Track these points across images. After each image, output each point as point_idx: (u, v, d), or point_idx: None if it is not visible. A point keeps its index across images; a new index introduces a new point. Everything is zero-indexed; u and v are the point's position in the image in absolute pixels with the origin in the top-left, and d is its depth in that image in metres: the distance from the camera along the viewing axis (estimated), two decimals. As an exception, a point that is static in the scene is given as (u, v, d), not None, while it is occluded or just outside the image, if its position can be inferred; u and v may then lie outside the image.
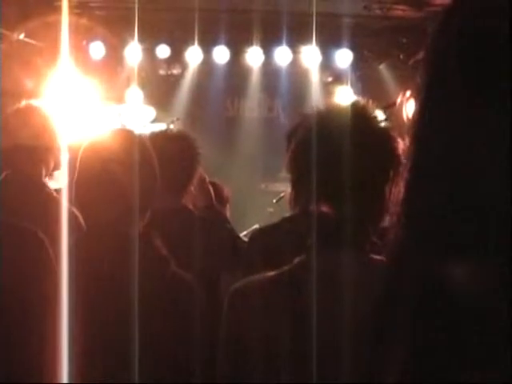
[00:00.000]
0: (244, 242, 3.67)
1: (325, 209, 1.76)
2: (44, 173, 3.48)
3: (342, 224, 1.72)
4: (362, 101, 1.95)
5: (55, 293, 2.11)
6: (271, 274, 1.78)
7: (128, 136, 2.49)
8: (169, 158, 3.29)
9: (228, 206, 4.80)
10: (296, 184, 1.95)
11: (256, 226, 8.62)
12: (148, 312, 2.12)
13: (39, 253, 2.27)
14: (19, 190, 3.26)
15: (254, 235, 3.20)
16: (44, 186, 3.46)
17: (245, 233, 8.49)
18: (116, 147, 2.36)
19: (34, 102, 3.63)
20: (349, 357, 1.56)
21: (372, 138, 1.89)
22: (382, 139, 1.89)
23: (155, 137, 3.49)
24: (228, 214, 4.72)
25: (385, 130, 1.92)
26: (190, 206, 3.43)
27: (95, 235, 2.31)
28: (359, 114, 1.87)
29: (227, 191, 4.83)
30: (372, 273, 1.46)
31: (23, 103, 3.57)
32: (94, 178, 2.34)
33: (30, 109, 3.54)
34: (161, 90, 9.48)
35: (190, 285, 2.36)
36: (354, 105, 1.92)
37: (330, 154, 1.80)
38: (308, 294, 1.68)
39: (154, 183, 2.44)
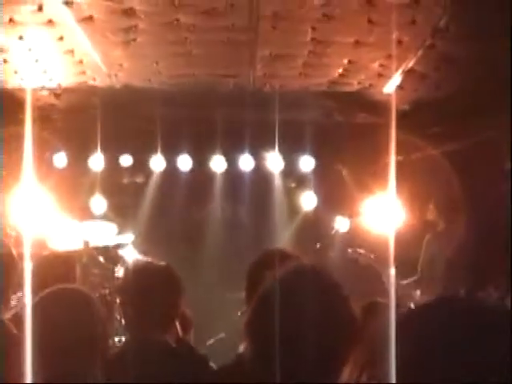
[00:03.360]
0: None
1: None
2: None
3: None
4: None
5: None
6: None
7: (75, 296, 2.80)
8: (154, 294, 3.42)
9: (192, 330, 4.72)
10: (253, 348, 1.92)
11: (222, 335, 8.50)
12: None
13: None
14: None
15: None
16: None
17: (212, 341, 8.38)
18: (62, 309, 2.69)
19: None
20: None
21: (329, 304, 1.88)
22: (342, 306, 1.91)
23: (139, 272, 3.67)
24: (192, 338, 4.66)
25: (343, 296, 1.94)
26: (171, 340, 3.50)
27: None
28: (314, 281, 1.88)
29: (189, 313, 4.76)
30: None
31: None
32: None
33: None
34: (125, 198, 9.44)
35: None
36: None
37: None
38: None
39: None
